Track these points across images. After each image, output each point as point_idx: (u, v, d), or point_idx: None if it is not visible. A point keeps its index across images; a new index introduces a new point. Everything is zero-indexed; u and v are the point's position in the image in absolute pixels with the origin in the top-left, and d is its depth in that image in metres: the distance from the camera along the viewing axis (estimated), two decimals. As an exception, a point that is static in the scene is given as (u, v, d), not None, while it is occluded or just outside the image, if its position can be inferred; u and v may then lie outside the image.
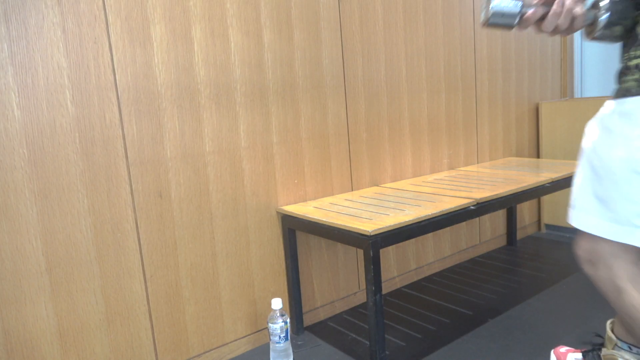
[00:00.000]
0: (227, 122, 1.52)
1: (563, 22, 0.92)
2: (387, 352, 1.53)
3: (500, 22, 0.92)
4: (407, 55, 2.00)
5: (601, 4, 0.91)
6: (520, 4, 0.91)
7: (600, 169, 1.03)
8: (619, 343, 1.19)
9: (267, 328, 1.48)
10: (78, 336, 1.30)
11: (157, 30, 1.36)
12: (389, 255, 2.04)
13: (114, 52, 1.29)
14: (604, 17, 0.91)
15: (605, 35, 0.95)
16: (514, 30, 1.03)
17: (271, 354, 1.48)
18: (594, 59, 3.09)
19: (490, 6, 0.90)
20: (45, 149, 1.21)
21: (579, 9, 0.90)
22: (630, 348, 1.18)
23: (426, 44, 2.07)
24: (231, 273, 1.58)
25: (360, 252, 1.93)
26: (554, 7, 0.90)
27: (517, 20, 0.93)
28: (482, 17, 0.94)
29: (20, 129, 1.17)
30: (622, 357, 1.19)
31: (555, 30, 0.94)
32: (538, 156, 2.73)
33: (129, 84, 1.32)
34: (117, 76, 1.30)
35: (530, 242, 2.58)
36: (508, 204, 1.69)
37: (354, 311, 1.89)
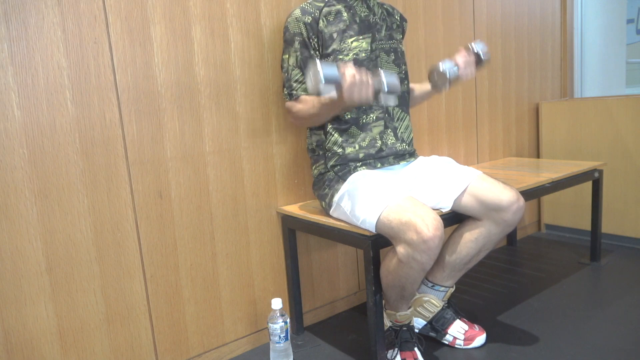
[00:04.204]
0: (227, 122, 1.52)
1: (361, 91, 1.18)
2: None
3: (328, 90, 1.16)
4: (407, 55, 2.00)
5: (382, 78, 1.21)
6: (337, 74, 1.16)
7: None
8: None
9: (267, 328, 1.48)
10: (78, 336, 1.30)
11: (157, 30, 1.36)
12: (389, 255, 2.04)
13: (114, 52, 1.29)
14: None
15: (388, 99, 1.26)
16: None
17: (271, 354, 1.48)
18: (594, 59, 3.09)
19: (321, 76, 1.13)
20: (45, 149, 1.21)
21: (369, 80, 1.19)
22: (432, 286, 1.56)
23: (426, 44, 2.07)
24: (231, 273, 1.58)
25: (360, 252, 1.93)
26: (348, 78, 1.16)
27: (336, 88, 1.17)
28: (312, 85, 1.16)
29: (20, 129, 1.17)
30: (426, 295, 1.55)
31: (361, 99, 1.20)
32: (538, 156, 2.73)
33: (129, 84, 1.32)
34: (117, 76, 1.30)
35: (530, 242, 2.58)
36: (508, 204, 1.68)
37: (354, 311, 1.89)
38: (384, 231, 1.28)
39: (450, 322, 1.55)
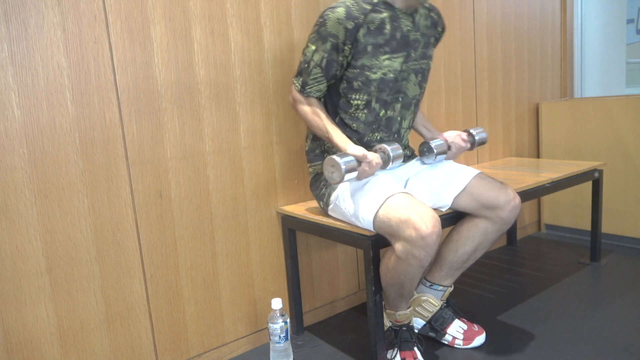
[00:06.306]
0: (227, 122, 1.52)
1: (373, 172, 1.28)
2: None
3: (350, 178, 1.24)
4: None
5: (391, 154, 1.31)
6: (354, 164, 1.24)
7: None
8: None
9: (267, 328, 1.48)
10: (78, 336, 1.30)
11: (157, 30, 1.36)
12: (389, 255, 2.04)
13: (114, 52, 1.29)
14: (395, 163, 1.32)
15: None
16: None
17: (271, 354, 1.48)
18: (594, 59, 3.09)
19: (342, 169, 1.22)
20: (45, 149, 1.21)
21: (380, 161, 1.28)
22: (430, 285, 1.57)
23: (426, 44, 2.07)
24: (231, 273, 1.58)
25: (360, 252, 1.93)
26: (363, 165, 1.25)
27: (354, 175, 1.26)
28: (336, 178, 1.25)
29: (20, 129, 1.17)
30: (424, 295, 1.56)
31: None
32: (538, 156, 2.73)
33: (129, 84, 1.32)
34: (117, 76, 1.30)
35: (530, 242, 2.58)
36: (508, 204, 1.68)
37: (354, 311, 1.89)
38: (382, 229, 1.28)
39: (449, 322, 1.55)
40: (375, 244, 1.32)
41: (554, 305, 1.78)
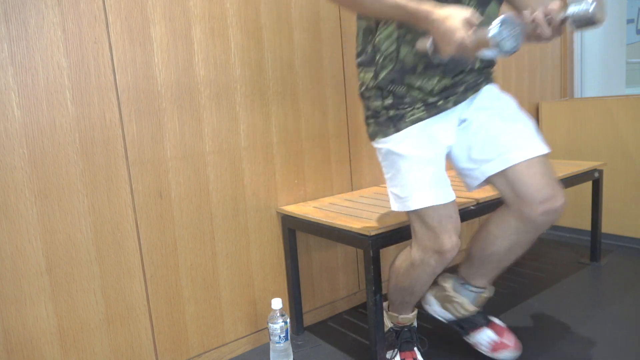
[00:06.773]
0: (227, 122, 1.52)
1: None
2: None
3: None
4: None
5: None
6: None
7: None
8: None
9: (267, 328, 1.48)
10: (78, 336, 1.30)
11: (157, 30, 1.36)
12: (389, 255, 2.04)
13: (114, 52, 1.29)
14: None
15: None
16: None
17: (271, 354, 1.48)
18: (594, 59, 3.09)
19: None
20: (45, 149, 1.21)
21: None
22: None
23: (426, 44, 2.07)
24: (231, 273, 1.58)
25: (360, 252, 1.93)
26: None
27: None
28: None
29: (20, 129, 1.17)
30: (457, 297, 1.41)
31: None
32: (538, 156, 2.73)
33: (129, 84, 1.32)
34: (117, 76, 1.30)
35: (530, 242, 2.57)
36: (508, 204, 1.68)
37: (354, 311, 1.89)
38: (411, 221, 1.26)
39: (477, 327, 1.43)
40: (375, 244, 1.32)
41: (554, 305, 1.78)
